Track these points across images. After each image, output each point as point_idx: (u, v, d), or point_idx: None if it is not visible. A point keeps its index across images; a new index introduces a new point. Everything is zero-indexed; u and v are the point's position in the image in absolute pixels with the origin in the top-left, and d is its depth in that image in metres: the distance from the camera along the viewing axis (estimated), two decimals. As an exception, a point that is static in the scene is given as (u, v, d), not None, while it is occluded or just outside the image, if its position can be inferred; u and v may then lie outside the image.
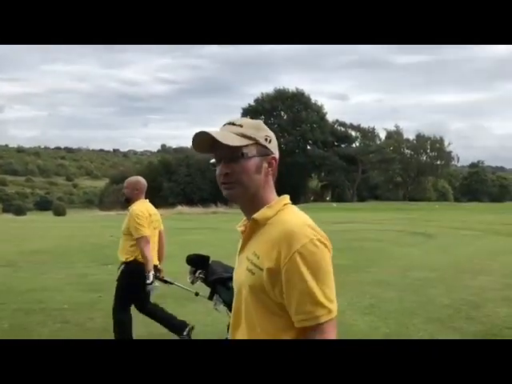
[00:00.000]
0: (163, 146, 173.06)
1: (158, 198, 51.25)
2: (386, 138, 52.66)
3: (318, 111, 49.06)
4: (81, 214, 45.07)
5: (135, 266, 4.34)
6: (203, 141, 1.40)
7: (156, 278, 4.41)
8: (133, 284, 4.36)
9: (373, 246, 12.33)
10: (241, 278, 1.40)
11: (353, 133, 51.94)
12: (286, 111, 49.18)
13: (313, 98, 49.64)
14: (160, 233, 4.66)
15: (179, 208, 43.53)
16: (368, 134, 51.41)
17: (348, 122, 51.72)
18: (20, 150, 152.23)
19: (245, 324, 1.40)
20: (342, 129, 51.97)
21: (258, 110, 49.19)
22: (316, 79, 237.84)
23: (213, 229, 18.00)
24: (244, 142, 1.38)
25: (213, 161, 1.44)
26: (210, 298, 2.71)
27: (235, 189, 1.40)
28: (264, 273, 1.31)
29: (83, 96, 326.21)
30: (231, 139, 1.37)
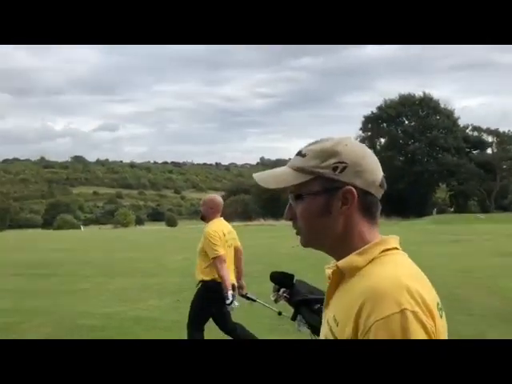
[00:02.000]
0: (262, 158, 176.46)
1: (277, 209, 51.41)
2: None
3: (449, 116, 46.08)
4: (192, 224, 46.25)
5: (212, 284, 4.36)
6: None
7: (239, 295, 4.46)
8: (209, 303, 4.45)
9: None
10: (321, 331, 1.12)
11: (489, 138, 48.09)
12: (413, 117, 46.80)
13: (442, 103, 46.84)
14: (237, 249, 4.66)
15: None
16: (505, 139, 47.21)
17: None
18: (133, 166, 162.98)
19: None
20: (476, 134, 48.35)
21: (382, 117, 47.36)
22: (417, 85, 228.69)
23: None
24: (300, 178, 1.08)
25: None
26: (293, 318, 2.65)
27: (301, 236, 1.12)
28: (338, 331, 1.01)
29: (187, 113, 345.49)
30: (282, 179, 1.10)
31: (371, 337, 0.93)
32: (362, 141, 49.30)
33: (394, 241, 1.09)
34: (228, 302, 4.21)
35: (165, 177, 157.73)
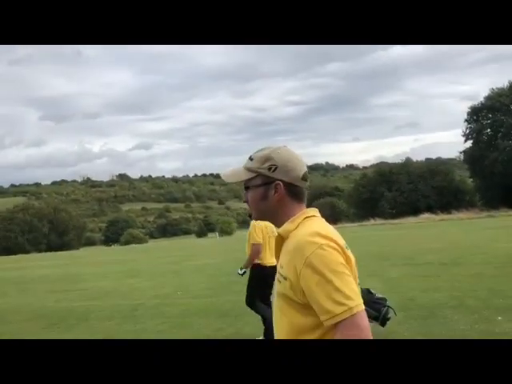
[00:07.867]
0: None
1: (377, 209, 50.06)
2: None
3: None
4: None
5: (259, 268, 5.54)
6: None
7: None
8: (259, 283, 5.48)
9: None
10: (275, 285, 1.57)
11: None
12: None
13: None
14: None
15: (426, 215, 42.08)
16: None
17: None
18: (176, 180, 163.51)
19: (279, 326, 1.55)
20: None
21: (494, 106, 46.17)
22: (447, 81, 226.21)
23: None
24: (248, 175, 1.58)
25: None
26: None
27: (253, 213, 1.63)
28: (287, 282, 1.46)
29: (219, 126, 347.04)
30: (237, 176, 1.61)
31: (307, 270, 1.38)
32: (470, 133, 48.07)
33: (313, 211, 1.57)
34: (240, 272, 5.74)
35: (208, 188, 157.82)
